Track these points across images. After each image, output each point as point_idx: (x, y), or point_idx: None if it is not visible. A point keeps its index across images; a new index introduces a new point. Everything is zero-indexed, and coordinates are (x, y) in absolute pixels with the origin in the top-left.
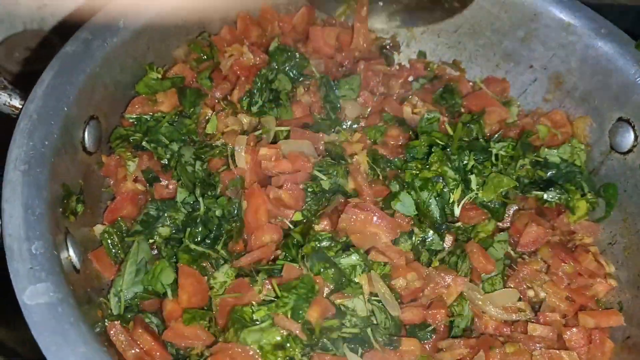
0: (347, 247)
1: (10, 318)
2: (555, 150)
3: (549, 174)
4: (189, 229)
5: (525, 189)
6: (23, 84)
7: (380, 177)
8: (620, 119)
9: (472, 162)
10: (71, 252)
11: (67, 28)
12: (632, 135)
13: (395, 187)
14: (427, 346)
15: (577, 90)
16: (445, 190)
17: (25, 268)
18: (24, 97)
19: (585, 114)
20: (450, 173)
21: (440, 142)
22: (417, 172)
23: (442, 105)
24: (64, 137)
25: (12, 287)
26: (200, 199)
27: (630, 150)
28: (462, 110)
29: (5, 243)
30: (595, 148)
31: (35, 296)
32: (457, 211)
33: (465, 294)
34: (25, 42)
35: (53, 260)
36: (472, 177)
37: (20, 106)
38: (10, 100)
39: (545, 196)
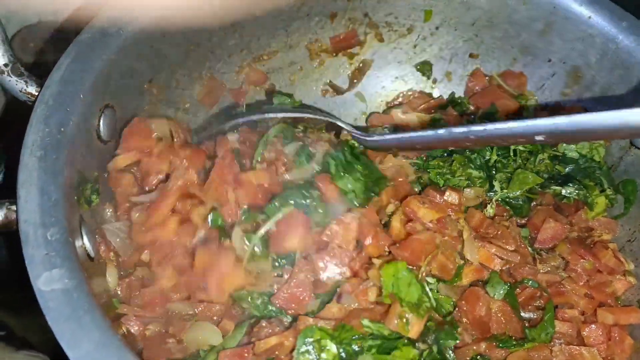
0: None
1: (20, 307)
2: (573, 146)
3: (567, 169)
4: None
5: (544, 184)
6: (38, 74)
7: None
8: None
9: (494, 157)
10: (85, 240)
11: (81, 19)
12: None
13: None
14: None
15: (596, 84)
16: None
17: (41, 254)
18: (40, 84)
19: (604, 109)
20: (475, 173)
21: None
22: (441, 171)
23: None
24: (80, 125)
25: (22, 276)
26: None
27: None
28: (472, 108)
29: (21, 228)
30: (614, 143)
31: (50, 282)
32: (491, 211)
33: None
34: (40, 33)
35: (68, 246)
36: (497, 176)
37: (37, 93)
38: (27, 87)
39: (563, 192)
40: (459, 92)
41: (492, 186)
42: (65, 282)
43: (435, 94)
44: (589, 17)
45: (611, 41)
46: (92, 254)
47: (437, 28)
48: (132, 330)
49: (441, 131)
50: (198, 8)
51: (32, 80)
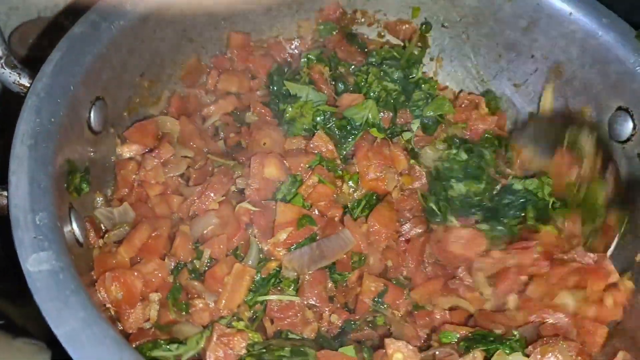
0: None
1: (18, 296)
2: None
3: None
4: None
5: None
6: (38, 69)
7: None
8: (619, 108)
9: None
10: (74, 226)
11: (80, 14)
12: (630, 124)
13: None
14: None
15: (577, 79)
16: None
17: (30, 237)
18: (33, 76)
19: (585, 104)
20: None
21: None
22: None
23: None
24: (70, 115)
25: (19, 266)
26: None
27: (629, 139)
28: None
29: (11, 213)
30: None
31: (38, 264)
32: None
33: None
34: (39, 28)
35: (56, 230)
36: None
37: (29, 85)
38: (20, 79)
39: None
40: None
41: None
42: (52, 263)
43: None
44: (570, 14)
45: (592, 37)
46: (81, 239)
47: (423, 24)
48: None
49: None
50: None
51: (25, 73)
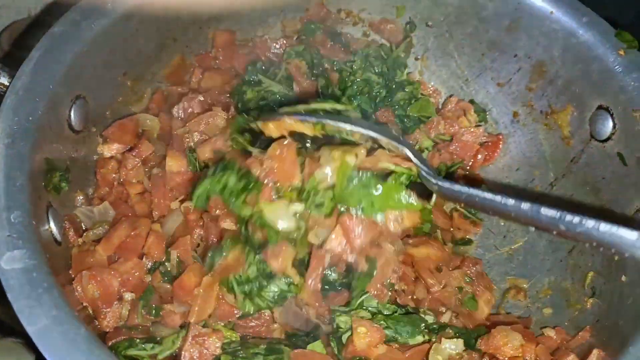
0: None
1: (5, 295)
2: None
3: None
4: None
5: None
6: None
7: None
8: (600, 107)
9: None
10: (52, 224)
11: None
12: (610, 123)
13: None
14: None
15: (560, 78)
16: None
17: (4, 235)
18: (13, 75)
19: (567, 103)
20: (374, 78)
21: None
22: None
23: None
24: (50, 114)
25: None
26: None
27: (609, 138)
28: None
29: None
30: (576, 137)
31: (11, 261)
32: None
33: None
34: (29, 27)
35: (30, 229)
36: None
37: (8, 84)
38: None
39: None
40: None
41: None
42: (26, 262)
43: None
44: (551, 13)
45: (572, 36)
46: (58, 238)
47: (407, 24)
48: None
49: (525, 206)
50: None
51: (4, 72)
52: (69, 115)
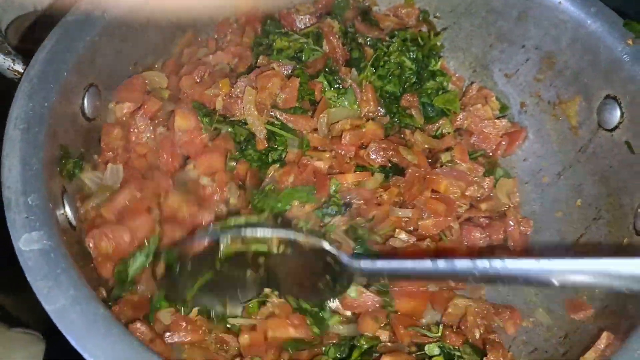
0: None
1: (13, 286)
2: None
3: None
4: None
5: None
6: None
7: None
8: (607, 97)
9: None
10: (67, 208)
11: (69, 4)
12: (618, 112)
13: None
14: None
15: (568, 69)
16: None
17: (21, 217)
18: (27, 62)
19: (575, 93)
20: (408, 63)
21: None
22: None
23: None
24: (63, 101)
25: (15, 256)
26: None
27: (616, 127)
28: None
29: (4, 195)
30: (583, 126)
31: (29, 243)
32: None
33: None
34: (36, 21)
35: (47, 211)
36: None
37: (23, 71)
38: (14, 65)
39: None
40: None
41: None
42: (43, 243)
43: None
44: (560, 3)
45: (581, 26)
46: (73, 222)
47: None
48: None
49: (442, 264)
50: None
51: (18, 59)
52: (82, 103)
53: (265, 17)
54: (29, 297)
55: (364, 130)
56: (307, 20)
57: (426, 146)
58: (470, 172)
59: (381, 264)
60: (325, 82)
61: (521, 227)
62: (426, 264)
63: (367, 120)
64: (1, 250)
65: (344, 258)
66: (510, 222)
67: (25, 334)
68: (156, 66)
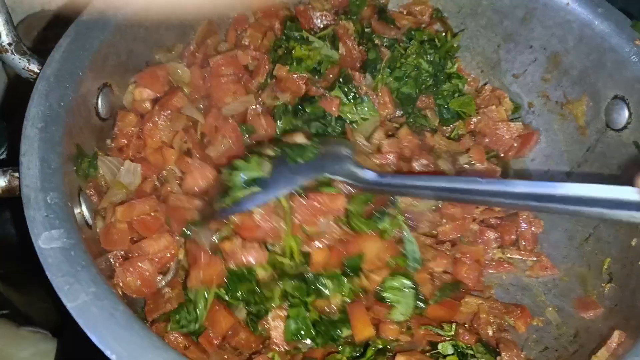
0: None
1: (23, 283)
2: None
3: None
4: None
5: None
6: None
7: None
8: (615, 97)
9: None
10: (84, 207)
11: (81, 6)
12: (626, 112)
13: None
14: None
15: (575, 69)
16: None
17: (41, 216)
18: (42, 63)
19: (582, 93)
20: (425, 65)
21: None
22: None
23: None
24: (79, 101)
25: (26, 255)
26: None
27: (624, 127)
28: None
29: (23, 192)
30: (591, 126)
31: (49, 241)
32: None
33: None
34: (43, 22)
35: (66, 209)
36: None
37: (38, 71)
38: (29, 65)
39: None
40: None
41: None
42: (63, 241)
43: None
44: (567, 4)
45: (587, 26)
46: (90, 221)
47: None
48: None
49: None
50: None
51: (34, 59)
52: (96, 103)
53: (285, 17)
54: (38, 295)
55: (399, 137)
56: (324, 18)
57: (446, 148)
58: (488, 173)
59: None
60: (342, 95)
61: (532, 228)
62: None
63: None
64: (11, 249)
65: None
66: (522, 223)
67: (34, 332)
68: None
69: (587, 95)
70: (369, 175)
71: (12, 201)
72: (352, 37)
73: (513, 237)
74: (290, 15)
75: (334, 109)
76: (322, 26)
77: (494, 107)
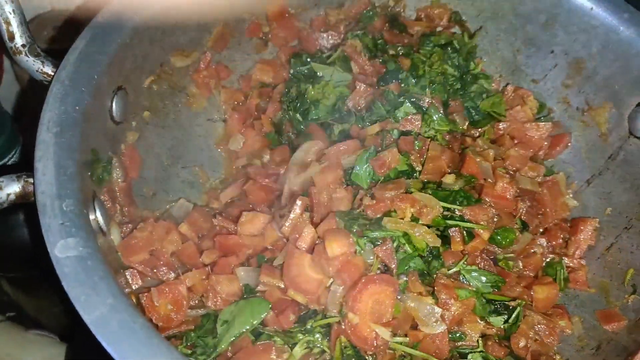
0: None
1: (32, 287)
2: None
3: None
4: None
5: None
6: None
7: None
8: (639, 104)
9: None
10: (98, 214)
11: (92, 7)
12: None
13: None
14: None
15: (598, 75)
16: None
17: (57, 223)
18: (56, 65)
19: (605, 99)
20: (450, 70)
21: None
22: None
23: None
24: (94, 104)
25: (37, 259)
26: None
27: None
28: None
29: (38, 199)
30: (613, 133)
31: (65, 249)
32: None
33: None
34: (53, 21)
35: (82, 217)
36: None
37: (52, 73)
38: (43, 67)
39: None
40: None
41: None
42: (80, 250)
43: None
44: (592, 9)
45: (613, 32)
46: (104, 228)
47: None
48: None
49: None
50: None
51: (48, 61)
52: (111, 106)
53: (289, 55)
54: (49, 299)
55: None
56: (330, 37)
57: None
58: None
59: None
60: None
61: (590, 241)
62: None
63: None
64: (22, 253)
65: None
66: (583, 231)
67: (42, 336)
68: (182, 70)
69: (610, 102)
70: None
71: (25, 205)
72: (363, 53)
73: (560, 241)
74: (294, 52)
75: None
76: (329, 46)
77: (519, 107)
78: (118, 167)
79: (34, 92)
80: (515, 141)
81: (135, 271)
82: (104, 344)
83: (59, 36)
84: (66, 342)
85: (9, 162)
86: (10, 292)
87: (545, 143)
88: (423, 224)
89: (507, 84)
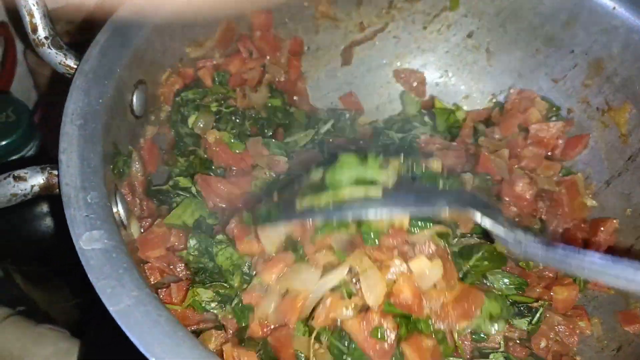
0: None
1: (45, 281)
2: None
3: None
4: None
5: None
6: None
7: None
8: None
9: None
10: (120, 207)
11: (106, 2)
12: None
13: None
14: None
15: (618, 76)
16: None
17: (81, 215)
18: (78, 58)
19: (625, 100)
20: None
21: None
22: None
23: None
24: (116, 98)
25: (48, 252)
26: None
27: None
28: None
29: (63, 191)
30: (633, 135)
31: (91, 242)
32: None
33: None
34: (67, 15)
35: (106, 209)
36: None
37: (75, 66)
38: (66, 60)
39: None
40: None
41: None
42: (105, 242)
43: (454, 81)
44: (614, 8)
45: (635, 32)
46: (125, 221)
47: (463, 16)
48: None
49: None
50: None
51: (70, 54)
52: (132, 100)
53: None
54: (60, 293)
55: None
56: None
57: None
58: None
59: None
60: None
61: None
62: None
63: None
64: (35, 247)
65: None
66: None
67: (53, 330)
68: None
69: (631, 103)
70: (531, 243)
71: (46, 198)
72: None
73: (579, 242)
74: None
75: None
76: None
77: (527, 110)
78: (137, 161)
79: (48, 85)
80: (529, 141)
81: (154, 266)
82: (129, 335)
83: (72, 31)
84: (77, 337)
85: (27, 155)
86: (22, 286)
87: (560, 141)
88: None
89: (510, 88)
